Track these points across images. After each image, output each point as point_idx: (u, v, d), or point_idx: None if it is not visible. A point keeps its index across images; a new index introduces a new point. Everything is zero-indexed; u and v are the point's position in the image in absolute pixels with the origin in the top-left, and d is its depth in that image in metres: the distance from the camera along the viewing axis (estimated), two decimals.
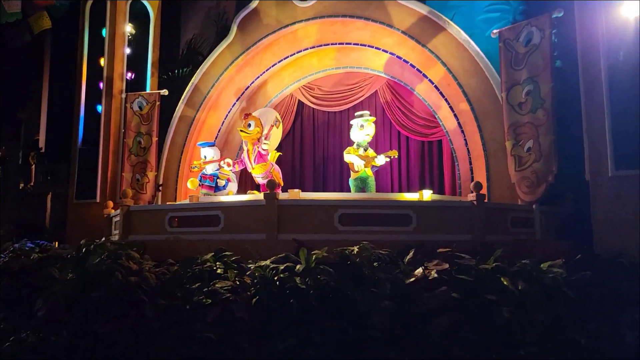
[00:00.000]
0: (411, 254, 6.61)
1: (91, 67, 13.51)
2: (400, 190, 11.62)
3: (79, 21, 13.78)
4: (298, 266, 6.27)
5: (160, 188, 12.75)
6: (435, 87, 10.69)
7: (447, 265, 6.18)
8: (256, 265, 6.54)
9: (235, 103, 12.82)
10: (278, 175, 9.97)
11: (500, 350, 5.85)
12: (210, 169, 10.62)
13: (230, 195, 10.06)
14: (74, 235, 12.31)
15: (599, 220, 8.16)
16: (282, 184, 10.11)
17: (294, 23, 11.69)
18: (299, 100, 13.05)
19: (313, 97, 12.80)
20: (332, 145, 12.72)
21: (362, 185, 10.13)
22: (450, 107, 10.49)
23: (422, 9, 10.50)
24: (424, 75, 10.85)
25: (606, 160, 8.07)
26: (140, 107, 12.82)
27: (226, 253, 7.21)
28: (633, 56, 8.08)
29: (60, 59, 21.35)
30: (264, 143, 9.97)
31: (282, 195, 8.44)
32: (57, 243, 13.68)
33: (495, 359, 5.78)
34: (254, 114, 10.35)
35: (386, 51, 11.29)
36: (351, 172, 10.17)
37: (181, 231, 8.53)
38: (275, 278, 6.20)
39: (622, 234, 7.87)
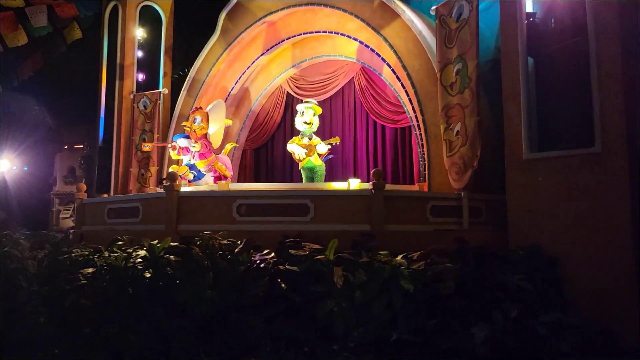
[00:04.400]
0: (242, 244, 6.47)
1: (110, 70, 14.54)
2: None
3: (100, 27, 14.84)
4: (142, 252, 6.45)
5: (164, 182, 13.37)
6: (392, 70, 10.25)
7: (272, 255, 6.02)
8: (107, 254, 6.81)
9: (227, 97, 13.12)
10: (222, 167, 10.05)
11: (315, 345, 5.61)
12: (185, 160, 10.96)
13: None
14: None
15: (513, 207, 7.41)
16: (230, 176, 10.22)
17: (266, 15, 11.72)
18: (287, 92, 13.07)
19: (298, 87, 12.79)
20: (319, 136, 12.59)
21: (311, 174, 10.04)
22: (406, 92, 10.00)
23: None
24: (382, 59, 10.44)
25: (520, 142, 7.31)
26: (145, 106, 13.58)
27: (119, 242, 7.55)
28: (559, 29, 7.26)
29: None
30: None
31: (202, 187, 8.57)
32: None
33: (306, 353, 5.55)
34: (207, 108, 10.53)
35: (350, 37, 11.00)
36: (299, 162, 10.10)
37: (114, 222, 9.03)
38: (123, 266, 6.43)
39: (537, 222, 7.11)
